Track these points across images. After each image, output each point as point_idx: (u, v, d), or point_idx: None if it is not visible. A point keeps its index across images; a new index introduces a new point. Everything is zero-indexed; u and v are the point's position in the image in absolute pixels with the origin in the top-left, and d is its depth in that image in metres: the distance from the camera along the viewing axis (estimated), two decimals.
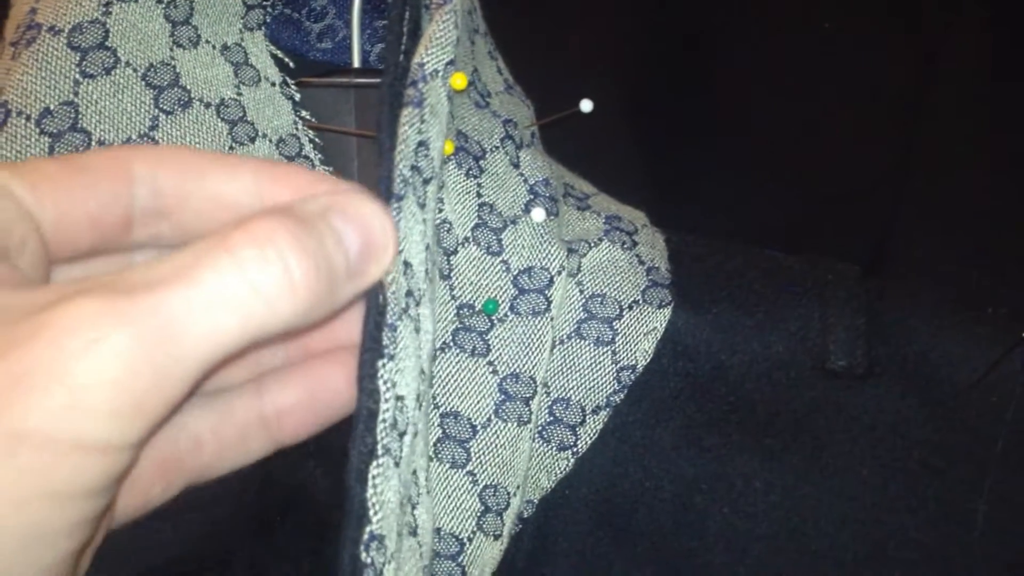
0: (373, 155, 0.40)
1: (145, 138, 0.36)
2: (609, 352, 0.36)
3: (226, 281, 0.23)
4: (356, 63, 0.41)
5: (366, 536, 0.26)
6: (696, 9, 0.54)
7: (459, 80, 0.32)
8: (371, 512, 0.26)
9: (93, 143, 0.34)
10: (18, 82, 0.34)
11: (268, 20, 0.40)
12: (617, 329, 0.37)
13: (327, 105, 0.40)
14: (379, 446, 0.27)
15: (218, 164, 0.28)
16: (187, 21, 0.37)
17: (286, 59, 0.40)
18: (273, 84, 0.39)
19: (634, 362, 0.37)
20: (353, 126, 0.40)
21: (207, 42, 0.38)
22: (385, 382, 0.27)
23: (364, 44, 0.41)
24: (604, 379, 0.36)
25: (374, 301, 0.28)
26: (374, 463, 0.26)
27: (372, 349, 0.27)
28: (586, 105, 0.39)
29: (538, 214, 0.36)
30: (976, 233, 0.50)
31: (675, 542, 0.36)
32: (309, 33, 0.41)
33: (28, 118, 0.34)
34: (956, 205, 0.51)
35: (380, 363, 0.27)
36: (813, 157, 0.53)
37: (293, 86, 0.40)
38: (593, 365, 0.36)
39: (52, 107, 0.34)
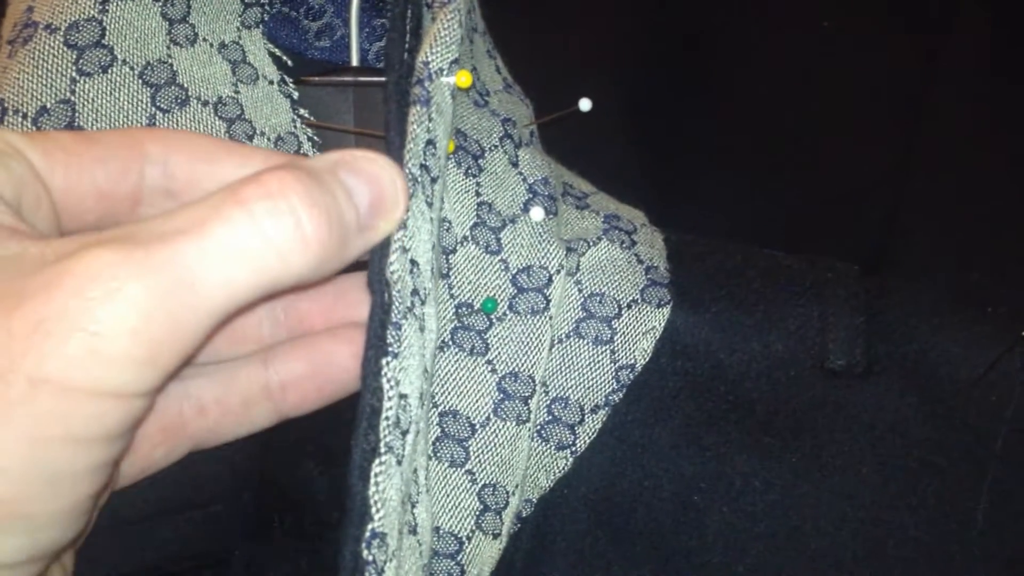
0: None
1: None
2: (608, 351, 0.36)
3: (239, 233, 0.23)
4: (355, 61, 0.41)
5: (368, 534, 0.26)
6: (696, 9, 0.54)
7: (464, 78, 0.32)
8: (373, 510, 0.26)
9: None
10: (15, 80, 0.34)
11: (266, 18, 0.40)
12: (616, 328, 0.36)
13: (326, 103, 0.40)
14: (382, 444, 0.27)
15: (230, 151, 0.28)
16: (184, 19, 0.37)
17: (284, 57, 0.40)
18: (271, 82, 0.39)
19: (633, 361, 0.36)
20: (352, 124, 0.40)
21: (204, 40, 0.38)
22: (389, 380, 0.27)
23: (362, 42, 0.41)
24: (603, 378, 0.36)
25: (379, 299, 0.28)
26: (376, 461, 0.26)
27: (376, 347, 0.27)
28: (585, 104, 0.39)
29: (537, 213, 0.36)
30: (976, 233, 0.50)
31: (674, 541, 0.36)
32: (307, 31, 0.41)
33: (25, 116, 0.34)
34: (956, 205, 0.51)
35: (384, 361, 0.27)
36: (813, 157, 0.53)
37: (291, 84, 0.40)
38: (592, 364, 0.36)
39: (49, 105, 0.34)
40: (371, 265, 0.28)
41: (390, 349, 0.27)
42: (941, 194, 0.51)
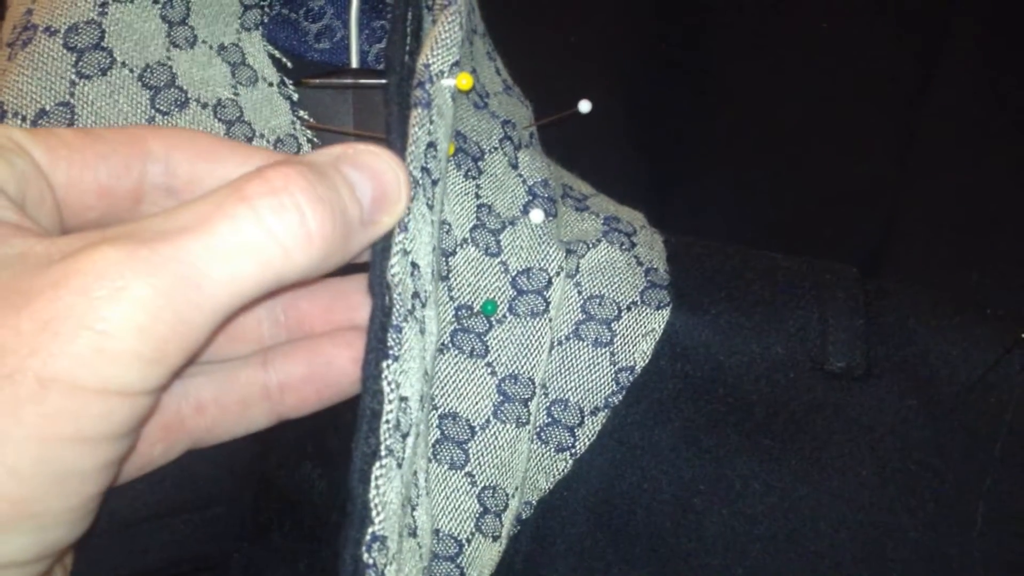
0: None
1: None
2: (607, 353, 0.36)
3: (244, 229, 0.23)
4: (354, 63, 0.41)
5: (368, 537, 0.26)
6: (696, 10, 0.54)
7: (464, 80, 0.32)
8: (373, 513, 0.26)
9: None
10: (14, 83, 0.34)
11: (265, 20, 0.40)
12: (615, 330, 0.36)
13: (325, 105, 0.40)
14: (382, 447, 0.27)
15: (232, 150, 0.28)
16: (184, 21, 0.37)
17: (284, 59, 0.40)
18: (271, 84, 0.39)
19: (632, 363, 0.36)
20: (351, 126, 0.40)
21: (204, 42, 0.38)
22: (389, 383, 0.27)
23: (362, 44, 0.41)
24: (602, 380, 0.36)
25: (380, 302, 0.28)
26: (377, 464, 0.26)
27: (377, 350, 0.27)
28: (584, 106, 0.39)
29: (536, 215, 0.36)
30: (976, 234, 0.50)
31: (673, 543, 0.36)
32: (307, 33, 0.41)
33: (24, 119, 0.33)
34: (956, 206, 0.51)
35: (384, 364, 0.27)
36: (812, 158, 0.53)
37: (291, 86, 0.40)
38: (591, 366, 0.36)
39: (48, 108, 0.34)
40: (372, 268, 0.28)
41: (391, 352, 0.27)
42: (940, 195, 0.51)
